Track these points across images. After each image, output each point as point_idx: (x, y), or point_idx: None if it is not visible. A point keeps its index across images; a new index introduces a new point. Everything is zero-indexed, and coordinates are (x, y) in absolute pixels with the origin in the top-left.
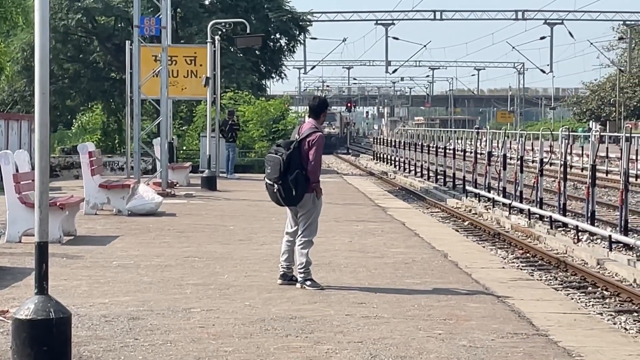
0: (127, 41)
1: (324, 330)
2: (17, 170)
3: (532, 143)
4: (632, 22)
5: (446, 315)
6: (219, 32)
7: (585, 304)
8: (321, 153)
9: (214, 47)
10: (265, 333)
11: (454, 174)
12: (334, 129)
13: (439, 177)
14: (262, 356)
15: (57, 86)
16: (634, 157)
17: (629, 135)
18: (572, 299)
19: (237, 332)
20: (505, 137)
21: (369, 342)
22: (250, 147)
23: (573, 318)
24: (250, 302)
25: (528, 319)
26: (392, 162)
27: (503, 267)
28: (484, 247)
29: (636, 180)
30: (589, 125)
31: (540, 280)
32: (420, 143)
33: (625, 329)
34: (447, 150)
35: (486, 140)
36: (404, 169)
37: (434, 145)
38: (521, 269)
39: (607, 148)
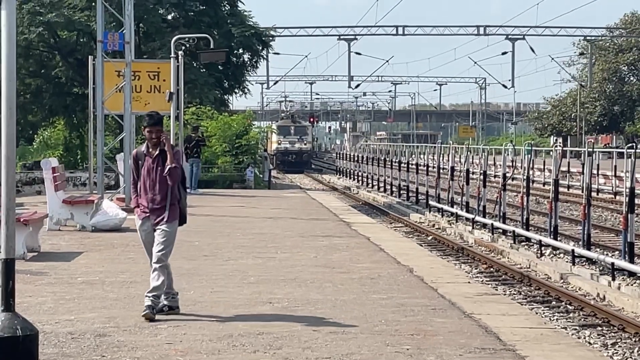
0: (89, 56)
1: (292, 345)
2: None
3: (495, 158)
4: (593, 38)
5: (413, 331)
6: (183, 47)
7: (550, 319)
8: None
9: (178, 62)
10: (233, 349)
11: (417, 188)
12: (305, 144)
13: (402, 192)
14: None
15: (18, 101)
16: (595, 172)
17: (591, 150)
18: (537, 313)
19: (205, 348)
20: (468, 152)
21: (337, 357)
22: (213, 163)
23: (539, 332)
24: (217, 318)
25: (495, 333)
26: (355, 177)
27: (468, 282)
28: (448, 261)
29: (597, 194)
30: (552, 140)
31: (505, 294)
32: (382, 158)
33: (589, 343)
34: (410, 165)
35: (449, 155)
36: (367, 184)
37: (397, 160)
38: (486, 284)
39: (568, 163)
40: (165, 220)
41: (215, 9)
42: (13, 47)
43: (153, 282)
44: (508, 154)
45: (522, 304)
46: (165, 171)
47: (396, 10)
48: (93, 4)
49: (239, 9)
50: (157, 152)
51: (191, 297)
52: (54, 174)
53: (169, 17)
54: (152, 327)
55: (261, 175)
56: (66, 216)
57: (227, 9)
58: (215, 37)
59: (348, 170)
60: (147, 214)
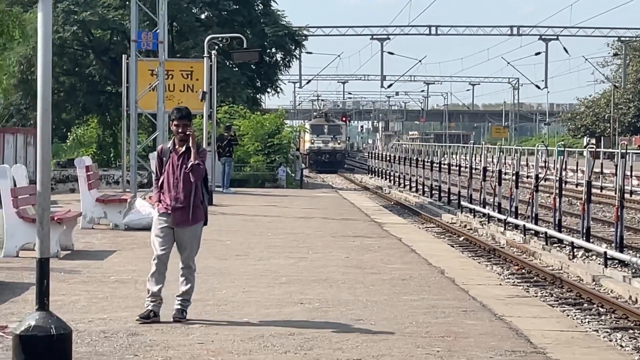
0: (123, 55)
1: (323, 347)
2: (14, 185)
3: (527, 158)
4: (627, 38)
5: (444, 333)
6: (216, 47)
7: (581, 321)
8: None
9: (211, 61)
10: (264, 349)
11: (449, 189)
12: (339, 143)
13: (433, 192)
14: None
15: (52, 99)
16: (628, 174)
17: (624, 151)
18: (568, 315)
19: (236, 348)
20: (500, 153)
21: (368, 359)
22: (245, 162)
23: (570, 336)
24: (248, 318)
25: (526, 336)
26: (387, 176)
27: (500, 284)
28: (479, 263)
29: (630, 196)
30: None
31: (536, 296)
32: (415, 158)
33: (621, 346)
34: (442, 165)
35: (481, 156)
36: (399, 184)
37: (429, 160)
38: (517, 286)
39: (601, 164)
40: (189, 221)
41: (248, 8)
42: (49, 48)
43: (182, 286)
44: (541, 155)
45: (553, 306)
46: (188, 167)
47: (429, 10)
48: (127, 2)
49: (272, 8)
50: (183, 149)
51: (223, 297)
52: (88, 173)
53: (202, 16)
54: (184, 327)
55: (293, 175)
56: (99, 215)
57: (260, 8)
58: (248, 36)
59: (380, 169)
60: (169, 211)
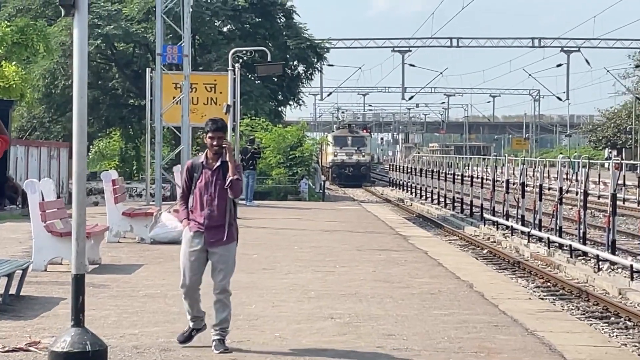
0: (147, 68)
1: None
2: (43, 199)
3: (549, 170)
4: None
5: (477, 348)
6: (240, 60)
7: (609, 335)
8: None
9: (235, 74)
10: None
11: (471, 201)
12: (363, 155)
13: (455, 204)
14: None
15: None
16: None
17: None
18: (596, 329)
19: None
20: (523, 165)
21: None
22: (267, 174)
23: (604, 351)
24: (280, 333)
25: (559, 352)
26: (408, 188)
27: (529, 298)
28: (506, 276)
29: None
30: (606, 152)
31: (564, 310)
32: (436, 170)
33: None
34: (464, 177)
35: (502, 168)
36: (420, 196)
37: (451, 173)
38: (544, 299)
39: (624, 176)
40: (224, 241)
41: (271, 21)
42: (84, 64)
43: (219, 314)
44: (564, 167)
45: (580, 320)
46: (227, 183)
47: (451, 23)
48: (150, 16)
49: (294, 21)
50: (217, 164)
51: (253, 312)
52: (114, 187)
53: (225, 29)
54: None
55: (315, 187)
56: (126, 228)
57: (282, 21)
58: (271, 49)
59: (401, 181)
60: (202, 231)
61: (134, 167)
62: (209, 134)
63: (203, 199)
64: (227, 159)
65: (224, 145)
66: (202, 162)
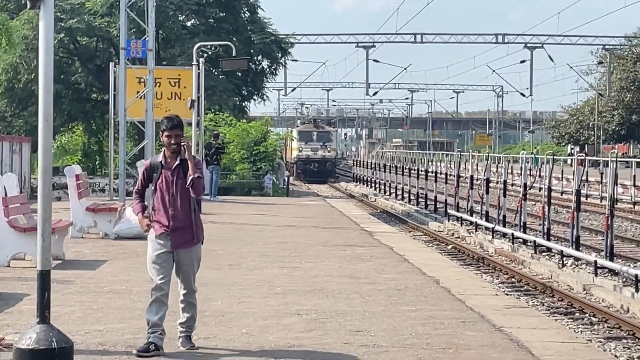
0: (110, 63)
1: (324, 359)
2: (6, 194)
3: (512, 166)
4: (611, 47)
5: (445, 344)
6: (204, 55)
7: (574, 331)
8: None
9: (199, 69)
10: None
11: (435, 197)
12: (329, 151)
13: (419, 199)
14: None
15: (38, 107)
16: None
17: (614, 159)
18: (562, 325)
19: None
20: (487, 161)
21: None
22: (231, 169)
23: (572, 347)
24: (246, 329)
25: (527, 348)
26: (372, 184)
27: (496, 294)
28: (473, 273)
29: (616, 204)
30: (568, 149)
31: (529, 305)
32: (400, 166)
33: (615, 356)
34: (428, 173)
35: (465, 163)
36: (384, 192)
37: (415, 168)
38: (509, 295)
39: (587, 172)
40: (192, 242)
41: (235, 16)
42: (50, 58)
43: (185, 313)
44: (527, 163)
45: (546, 315)
46: (188, 182)
47: (416, 19)
48: (113, 10)
49: (258, 16)
50: (176, 162)
51: (219, 308)
52: (78, 182)
53: (189, 23)
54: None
55: (278, 182)
56: (89, 224)
57: (247, 16)
58: (235, 43)
59: (365, 177)
60: (167, 232)
61: (97, 162)
62: (165, 133)
63: (165, 199)
64: (186, 156)
65: (182, 144)
66: (161, 161)
